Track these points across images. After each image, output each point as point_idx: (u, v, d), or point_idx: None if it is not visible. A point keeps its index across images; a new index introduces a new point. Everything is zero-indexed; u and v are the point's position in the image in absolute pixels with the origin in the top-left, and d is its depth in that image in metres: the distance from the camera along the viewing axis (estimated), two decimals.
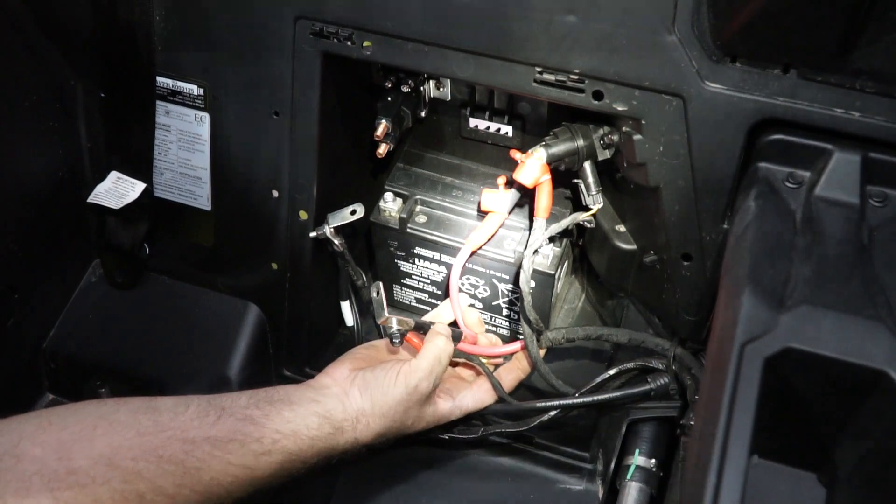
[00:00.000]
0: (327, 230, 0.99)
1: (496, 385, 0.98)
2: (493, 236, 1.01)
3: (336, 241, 0.99)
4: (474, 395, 0.96)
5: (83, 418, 0.73)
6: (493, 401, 0.97)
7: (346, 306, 1.08)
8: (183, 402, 0.78)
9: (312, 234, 0.99)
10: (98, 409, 0.75)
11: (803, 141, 0.75)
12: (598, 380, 0.95)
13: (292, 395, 0.84)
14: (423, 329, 0.97)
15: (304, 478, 0.83)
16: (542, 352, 0.99)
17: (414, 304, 1.14)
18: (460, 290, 1.08)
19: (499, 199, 1.00)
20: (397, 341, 0.95)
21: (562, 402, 0.94)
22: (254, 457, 0.77)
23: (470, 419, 1.00)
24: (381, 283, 0.95)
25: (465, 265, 1.04)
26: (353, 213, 0.99)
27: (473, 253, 1.02)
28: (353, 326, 1.08)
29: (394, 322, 0.94)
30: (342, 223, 0.99)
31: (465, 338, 1.00)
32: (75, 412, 0.74)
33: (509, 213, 1.02)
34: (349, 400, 0.86)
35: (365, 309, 1.07)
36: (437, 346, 0.92)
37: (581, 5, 0.76)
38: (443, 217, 1.05)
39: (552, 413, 0.95)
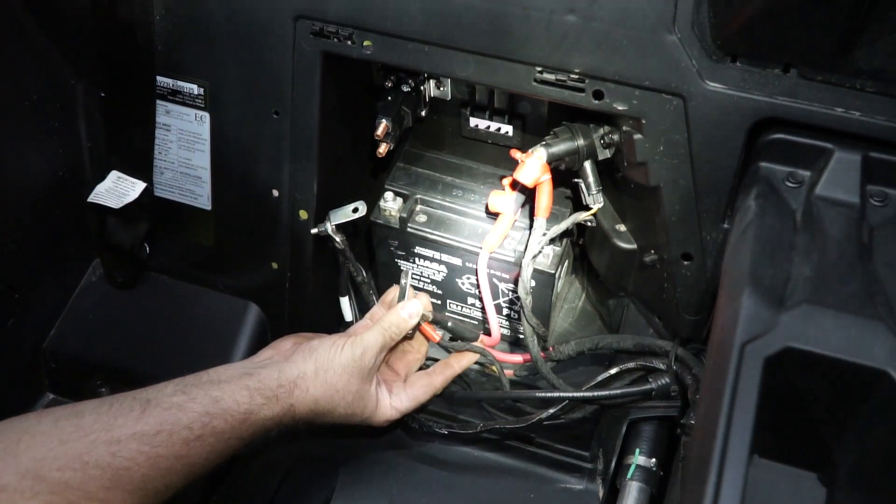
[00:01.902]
0: (329, 227, 0.99)
1: (504, 383, 1.00)
2: (505, 237, 1.01)
3: (337, 239, 0.99)
4: (409, 394, 0.97)
5: (7, 435, 0.71)
6: (427, 398, 0.98)
7: (345, 302, 1.08)
8: (106, 402, 0.76)
9: (314, 231, 1.00)
10: (21, 423, 0.73)
11: (804, 140, 0.75)
12: (599, 378, 0.95)
13: (222, 374, 0.83)
14: (439, 322, 1.01)
15: (244, 453, 0.83)
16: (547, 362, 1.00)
17: None
18: (463, 290, 1.08)
19: (506, 200, 1.00)
20: (411, 332, 0.99)
21: (562, 394, 0.94)
22: (185, 444, 0.75)
23: (469, 415, 1.01)
24: (411, 269, 0.98)
25: (466, 265, 1.04)
26: (356, 210, 0.99)
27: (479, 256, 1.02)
28: (352, 322, 1.08)
29: None
30: (344, 220, 0.99)
31: (482, 340, 1.04)
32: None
33: (517, 213, 1.02)
34: (289, 365, 0.87)
35: (364, 306, 1.07)
36: (388, 320, 0.94)
37: (581, 5, 0.76)
38: (443, 216, 1.05)
39: (552, 410, 0.94)
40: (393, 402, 0.95)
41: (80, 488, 0.69)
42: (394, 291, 1.04)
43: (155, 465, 0.73)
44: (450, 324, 1.02)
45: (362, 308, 1.08)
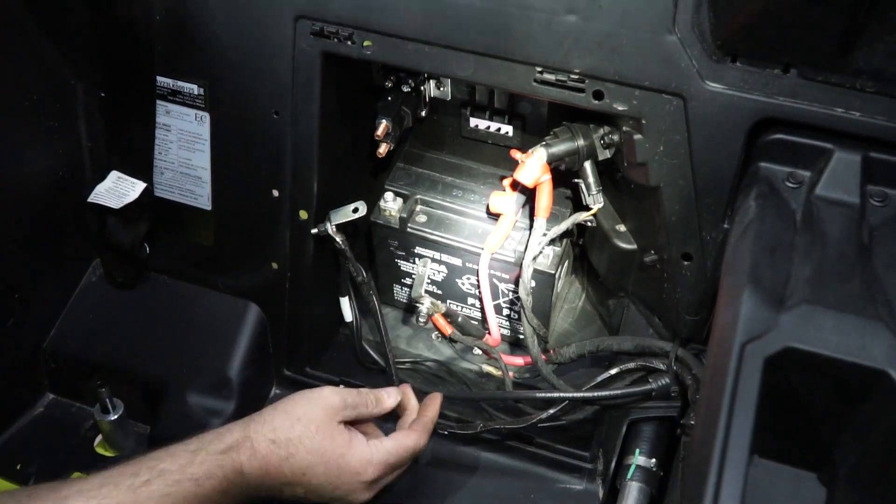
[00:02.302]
0: (329, 227, 0.99)
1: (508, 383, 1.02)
2: (506, 238, 1.02)
3: (337, 239, 0.99)
4: (392, 440, 0.87)
5: None
6: (412, 444, 0.88)
7: (345, 302, 1.08)
8: (64, 480, 0.75)
9: (314, 231, 1.00)
10: None
11: (804, 140, 0.75)
12: (600, 379, 0.95)
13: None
14: (451, 317, 1.03)
15: None
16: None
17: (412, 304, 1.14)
18: (463, 290, 1.08)
19: (507, 201, 1.00)
20: (423, 321, 1.02)
21: (563, 394, 0.94)
22: (131, 492, 0.72)
23: (469, 415, 1.01)
24: (428, 261, 1.01)
25: (466, 265, 1.04)
26: (356, 210, 0.99)
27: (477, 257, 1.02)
28: (353, 322, 1.08)
29: (426, 301, 1.02)
30: (344, 220, 0.99)
31: (486, 339, 1.05)
32: None
33: (518, 214, 1.02)
34: (251, 417, 0.83)
35: (364, 306, 1.07)
36: (379, 391, 0.90)
37: (581, 5, 0.76)
38: (443, 217, 1.05)
39: (552, 410, 0.94)
40: (371, 443, 0.85)
41: None
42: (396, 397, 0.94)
43: None
44: (460, 319, 1.04)
45: (362, 308, 1.08)
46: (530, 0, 0.77)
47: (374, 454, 0.84)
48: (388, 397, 0.91)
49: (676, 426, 0.91)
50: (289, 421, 0.81)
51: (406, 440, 0.88)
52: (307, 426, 0.81)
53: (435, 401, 0.95)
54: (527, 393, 0.99)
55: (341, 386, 0.94)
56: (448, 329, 1.05)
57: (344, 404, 0.85)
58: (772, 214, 0.72)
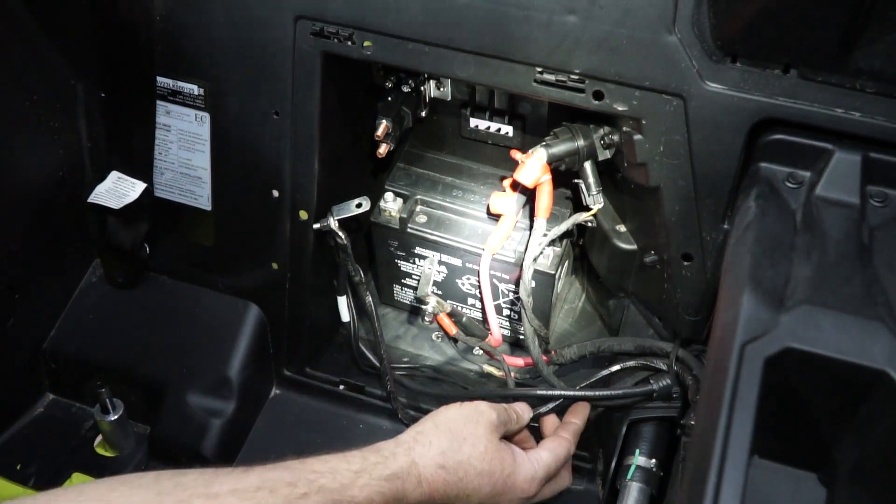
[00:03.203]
0: (332, 222, 0.99)
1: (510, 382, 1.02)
2: (507, 238, 1.02)
3: (340, 234, 0.99)
4: (546, 447, 0.87)
5: (103, 485, 0.67)
6: (565, 451, 0.89)
7: (342, 302, 1.07)
8: (211, 468, 0.70)
9: (316, 226, 0.99)
10: (121, 476, 0.69)
11: (804, 141, 0.75)
12: (600, 375, 0.95)
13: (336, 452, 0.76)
14: (455, 317, 1.03)
15: None
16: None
17: (414, 304, 1.14)
18: (463, 291, 1.08)
19: (507, 201, 1.00)
20: (428, 320, 1.02)
21: (563, 392, 0.94)
22: (287, 502, 0.68)
23: None
24: (437, 258, 1.01)
25: (466, 265, 1.04)
26: (359, 206, 0.99)
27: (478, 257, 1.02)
28: (350, 323, 1.08)
29: (431, 300, 1.01)
30: (347, 215, 0.99)
31: (489, 340, 1.04)
32: (97, 485, 0.68)
33: (518, 214, 1.02)
34: (406, 431, 0.79)
35: (362, 306, 1.07)
36: (510, 406, 0.88)
37: (581, 5, 0.76)
38: (443, 217, 1.05)
39: (551, 405, 0.94)
40: (531, 455, 0.84)
41: None
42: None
43: None
44: (464, 319, 1.04)
45: (359, 308, 1.08)
46: (530, 0, 0.77)
47: (537, 471, 0.83)
48: (524, 412, 0.90)
49: (676, 426, 0.91)
50: (456, 443, 0.78)
51: (560, 449, 0.87)
52: (475, 447, 0.79)
53: (584, 409, 0.94)
54: (528, 390, 0.99)
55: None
56: (453, 329, 1.05)
57: (499, 420, 0.83)
58: (772, 215, 0.72)
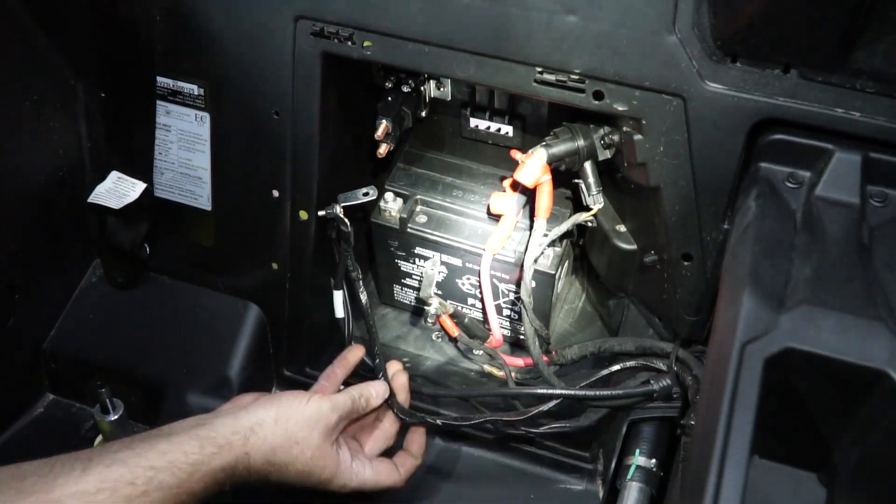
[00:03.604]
0: (337, 209, 0.98)
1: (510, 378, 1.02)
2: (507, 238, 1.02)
3: (345, 222, 0.98)
4: (374, 468, 0.91)
5: None
6: (389, 483, 0.92)
7: (338, 297, 1.05)
8: (48, 463, 0.72)
9: (321, 213, 0.98)
10: None
11: (804, 141, 0.75)
12: (600, 375, 0.95)
13: (174, 427, 0.80)
14: (458, 318, 1.03)
15: None
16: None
17: (414, 303, 1.14)
18: (463, 291, 1.08)
19: (508, 201, 1.00)
20: (431, 321, 1.02)
21: (563, 391, 0.93)
22: (128, 501, 0.71)
23: (469, 407, 1.01)
24: (438, 261, 1.02)
25: (466, 265, 1.04)
26: (366, 194, 0.99)
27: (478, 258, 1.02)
28: (344, 318, 1.06)
29: (434, 302, 1.01)
30: (353, 203, 0.99)
31: (489, 342, 1.04)
32: None
33: (519, 214, 1.02)
34: (246, 413, 0.83)
35: (356, 304, 1.06)
36: (359, 390, 0.92)
37: (581, 5, 0.76)
38: (443, 217, 1.05)
39: (552, 403, 0.94)
40: (355, 467, 0.89)
41: None
42: (357, 353, 1.01)
43: None
44: (466, 320, 1.04)
45: (354, 308, 1.08)
46: (530, 0, 0.77)
47: (351, 482, 0.88)
48: (376, 396, 0.94)
49: (677, 426, 0.91)
50: (288, 444, 0.83)
51: (387, 479, 0.92)
52: (304, 451, 0.84)
53: (420, 438, 0.97)
54: (528, 389, 0.99)
55: (325, 383, 0.96)
56: (455, 331, 1.05)
57: (338, 419, 0.88)
58: (772, 215, 0.72)
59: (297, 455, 0.84)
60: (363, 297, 1.02)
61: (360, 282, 1.02)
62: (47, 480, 0.70)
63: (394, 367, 1.01)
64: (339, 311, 1.07)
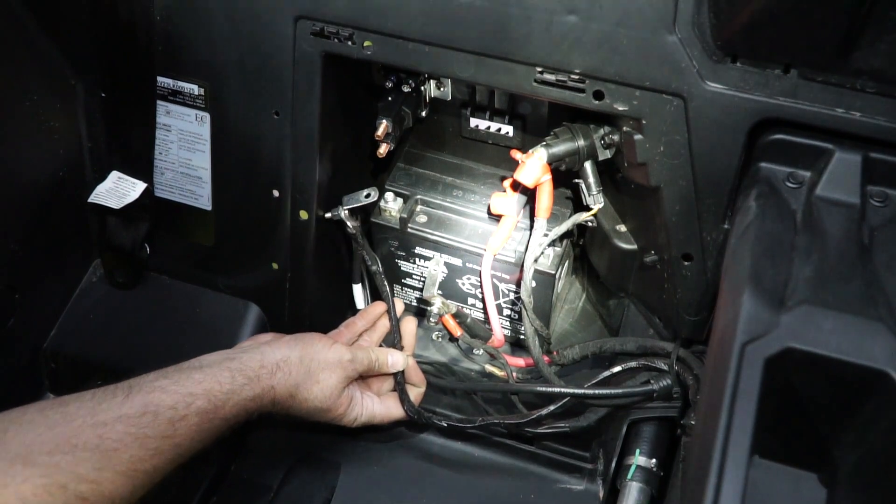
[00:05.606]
0: (342, 212, 1.00)
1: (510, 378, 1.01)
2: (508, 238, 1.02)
3: (350, 224, 1.00)
4: (383, 404, 1.00)
5: None
6: (399, 415, 1.00)
7: (357, 289, 1.08)
8: (89, 392, 0.77)
9: (327, 216, 1.00)
10: (6, 415, 0.74)
11: (804, 141, 0.75)
12: (602, 376, 0.95)
13: (204, 360, 0.86)
14: (461, 318, 1.04)
15: (227, 435, 0.84)
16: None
17: (414, 303, 1.14)
18: (463, 291, 1.08)
19: (508, 202, 1.00)
20: (433, 321, 1.03)
21: (563, 389, 0.93)
22: (170, 424, 0.77)
23: (471, 409, 1.01)
24: (441, 261, 1.02)
25: (466, 265, 1.04)
26: (368, 196, 1.01)
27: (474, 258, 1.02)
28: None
29: (437, 301, 1.02)
30: (356, 205, 1.00)
31: (492, 341, 1.04)
32: None
33: (519, 214, 1.02)
34: (272, 350, 0.90)
35: (376, 294, 1.07)
36: (379, 355, 0.99)
37: (581, 5, 0.76)
38: (443, 217, 1.05)
39: (552, 406, 0.94)
40: (366, 403, 0.98)
41: (71, 470, 0.70)
42: (379, 308, 1.07)
43: (143, 446, 0.74)
44: (469, 320, 1.05)
45: (375, 297, 1.08)
46: (530, 0, 0.77)
47: (361, 416, 0.97)
48: (392, 366, 1.00)
49: (677, 426, 0.91)
50: (309, 382, 0.91)
51: (395, 412, 1.00)
52: (322, 390, 0.92)
53: (416, 367, 1.03)
54: (528, 386, 0.99)
55: (344, 330, 1.03)
56: (458, 331, 1.04)
57: (354, 371, 0.95)
58: (772, 215, 0.72)
59: (317, 393, 0.91)
60: (386, 289, 1.04)
61: (381, 276, 1.04)
62: (91, 406, 0.75)
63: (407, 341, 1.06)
64: (360, 303, 1.11)
